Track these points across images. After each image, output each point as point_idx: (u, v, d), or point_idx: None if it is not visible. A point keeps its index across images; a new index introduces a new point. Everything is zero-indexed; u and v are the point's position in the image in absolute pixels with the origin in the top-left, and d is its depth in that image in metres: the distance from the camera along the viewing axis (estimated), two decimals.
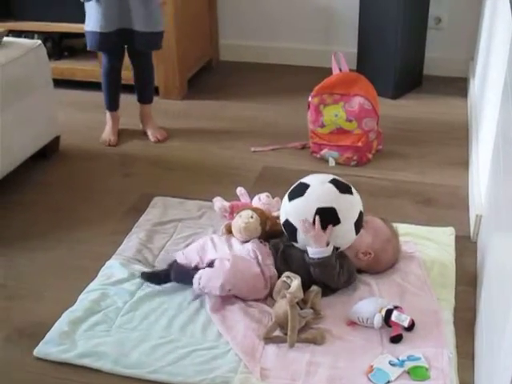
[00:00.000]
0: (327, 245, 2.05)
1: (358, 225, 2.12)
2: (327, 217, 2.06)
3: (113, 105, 3.35)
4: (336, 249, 2.10)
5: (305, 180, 2.18)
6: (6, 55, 2.81)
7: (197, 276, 2.10)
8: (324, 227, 2.05)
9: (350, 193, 2.13)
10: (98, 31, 3.03)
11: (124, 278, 2.24)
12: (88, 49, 3.18)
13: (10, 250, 2.47)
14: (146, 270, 2.26)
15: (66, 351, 1.94)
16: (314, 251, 2.06)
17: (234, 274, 2.07)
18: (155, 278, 2.21)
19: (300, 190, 2.14)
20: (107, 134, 3.35)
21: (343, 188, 2.12)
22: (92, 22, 3.03)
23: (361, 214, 2.13)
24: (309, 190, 2.12)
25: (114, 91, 3.32)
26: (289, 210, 2.15)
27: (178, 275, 2.18)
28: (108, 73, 3.26)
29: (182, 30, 3.74)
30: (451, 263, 2.29)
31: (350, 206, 2.11)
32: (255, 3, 4.25)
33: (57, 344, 1.97)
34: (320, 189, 2.12)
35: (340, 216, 2.06)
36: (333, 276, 2.08)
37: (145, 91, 3.38)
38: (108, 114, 3.36)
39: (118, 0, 3.00)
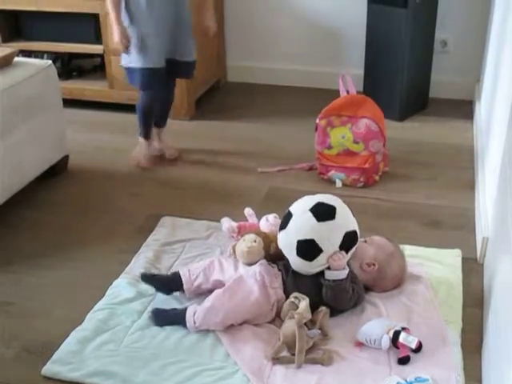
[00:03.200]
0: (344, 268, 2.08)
1: (346, 246, 2.09)
2: (308, 248, 2.07)
3: (149, 133, 3.32)
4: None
5: (291, 208, 2.18)
6: (17, 75, 2.84)
7: (189, 313, 2.07)
8: (307, 258, 2.08)
9: (331, 218, 2.08)
10: (153, 67, 2.98)
11: (131, 298, 2.24)
12: (138, 87, 3.11)
13: (19, 268, 2.48)
14: (146, 272, 2.30)
15: (74, 370, 1.94)
16: (331, 273, 2.07)
17: (234, 308, 2.06)
18: (155, 281, 2.24)
19: (285, 221, 2.15)
20: (140, 154, 3.31)
21: (323, 215, 2.08)
22: (145, 58, 2.96)
23: (347, 235, 2.09)
24: (290, 222, 2.12)
25: (151, 122, 3.32)
26: (279, 242, 2.20)
27: (163, 320, 2.13)
28: (150, 107, 3.21)
29: None
30: (458, 285, 2.29)
31: (331, 233, 2.08)
32: (262, 26, 4.29)
33: (65, 363, 1.97)
34: (300, 220, 2.11)
35: (321, 245, 2.06)
36: (343, 300, 2.10)
37: (165, 116, 3.41)
38: (143, 141, 3.31)
39: (170, 33, 2.99)
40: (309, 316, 1.99)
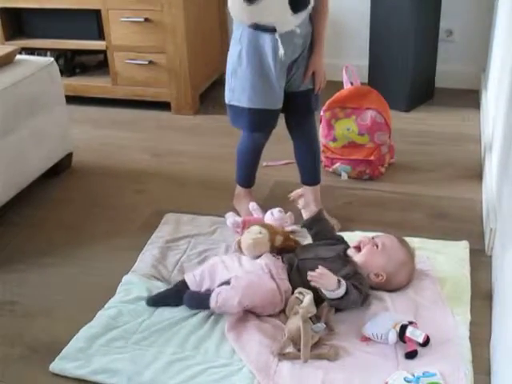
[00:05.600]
0: (339, 283, 2.00)
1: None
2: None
3: (251, 181, 2.82)
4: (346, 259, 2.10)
5: None
6: (19, 73, 2.83)
7: (214, 294, 2.08)
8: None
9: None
10: (267, 108, 2.47)
11: (142, 296, 2.23)
12: (240, 128, 2.63)
13: (24, 267, 2.47)
14: (153, 295, 2.23)
15: (81, 367, 1.94)
16: (329, 293, 2.01)
17: (252, 289, 2.05)
18: (164, 300, 2.20)
19: None
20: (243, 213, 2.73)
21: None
22: (257, 97, 2.43)
23: None
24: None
25: (255, 168, 2.80)
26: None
27: (193, 301, 2.15)
28: (256, 150, 2.74)
29: (194, 46, 3.76)
30: (466, 277, 2.27)
31: None
32: None
33: (72, 360, 1.97)
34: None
35: None
36: (350, 306, 2.07)
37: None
38: (241, 190, 2.82)
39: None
40: (313, 310, 1.96)
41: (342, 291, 2.00)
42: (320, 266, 2.01)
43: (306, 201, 2.44)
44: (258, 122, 2.52)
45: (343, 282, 2.01)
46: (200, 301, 2.13)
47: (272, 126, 2.56)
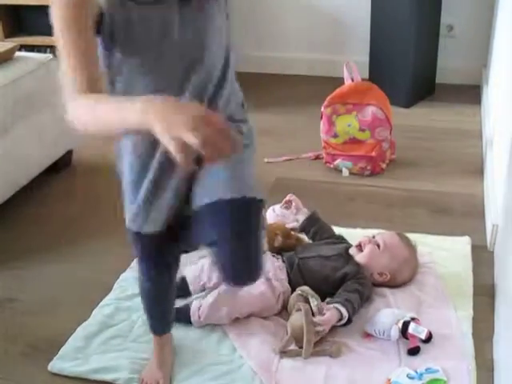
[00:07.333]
0: (341, 315, 1.97)
1: None
2: None
3: (164, 326, 1.94)
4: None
5: None
6: (19, 70, 2.81)
7: (194, 308, 2.04)
8: None
9: None
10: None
11: (138, 293, 2.20)
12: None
13: (24, 264, 2.47)
14: None
15: (80, 366, 1.93)
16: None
17: (238, 301, 2.03)
18: None
19: None
20: (152, 371, 1.88)
21: None
22: None
23: None
24: None
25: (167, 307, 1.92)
26: None
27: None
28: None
29: None
30: (468, 273, 2.26)
31: None
32: (268, 15, 4.25)
33: (71, 359, 1.96)
34: None
35: None
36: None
37: None
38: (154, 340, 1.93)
39: None
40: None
41: (345, 319, 1.97)
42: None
43: (297, 205, 2.43)
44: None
45: (343, 311, 1.96)
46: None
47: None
